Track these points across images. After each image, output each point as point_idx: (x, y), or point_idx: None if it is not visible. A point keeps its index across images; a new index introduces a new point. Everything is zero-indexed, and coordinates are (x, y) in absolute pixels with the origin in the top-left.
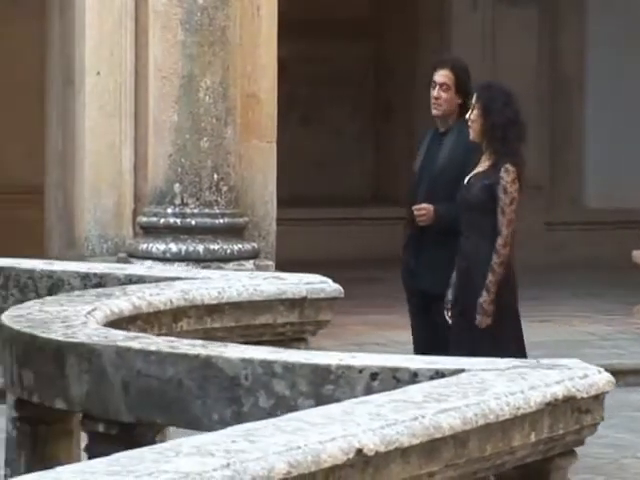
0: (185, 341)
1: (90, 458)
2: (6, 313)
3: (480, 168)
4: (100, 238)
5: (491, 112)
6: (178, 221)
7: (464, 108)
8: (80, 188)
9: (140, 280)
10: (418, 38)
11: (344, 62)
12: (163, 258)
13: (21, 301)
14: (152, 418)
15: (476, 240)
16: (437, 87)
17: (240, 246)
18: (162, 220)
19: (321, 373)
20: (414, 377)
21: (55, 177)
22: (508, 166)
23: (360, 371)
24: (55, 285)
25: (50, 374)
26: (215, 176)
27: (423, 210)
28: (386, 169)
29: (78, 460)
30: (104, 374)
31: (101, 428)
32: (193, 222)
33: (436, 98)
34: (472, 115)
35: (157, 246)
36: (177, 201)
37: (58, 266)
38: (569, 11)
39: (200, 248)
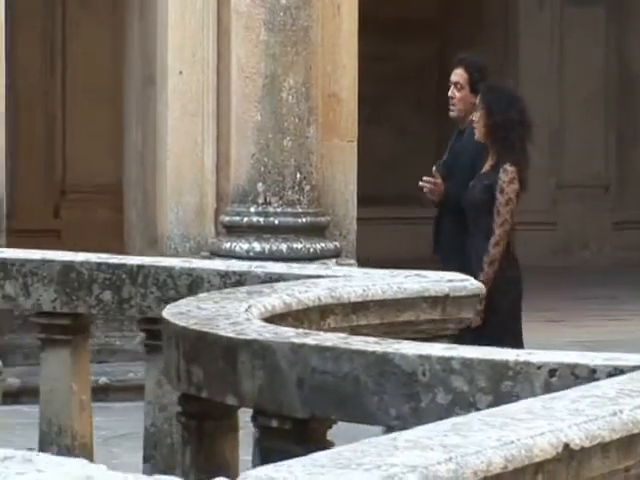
0: (356, 338)
1: (262, 453)
2: (166, 311)
3: (483, 169)
4: (182, 237)
5: (494, 112)
6: (261, 220)
7: None
8: (162, 187)
9: (280, 278)
10: (482, 38)
11: (409, 61)
12: (246, 257)
13: (160, 299)
14: (327, 414)
15: (479, 240)
16: (452, 86)
17: (323, 245)
18: (245, 219)
19: (499, 369)
20: (592, 373)
21: (135, 176)
22: (507, 166)
23: (538, 367)
24: (194, 283)
25: (220, 370)
26: (298, 175)
27: (430, 183)
28: None
29: (237, 457)
30: (278, 370)
31: (274, 423)
32: (276, 221)
33: (450, 98)
34: (475, 116)
35: (240, 245)
36: (260, 200)
37: (197, 264)
38: (636, 10)
39: (283, 247)
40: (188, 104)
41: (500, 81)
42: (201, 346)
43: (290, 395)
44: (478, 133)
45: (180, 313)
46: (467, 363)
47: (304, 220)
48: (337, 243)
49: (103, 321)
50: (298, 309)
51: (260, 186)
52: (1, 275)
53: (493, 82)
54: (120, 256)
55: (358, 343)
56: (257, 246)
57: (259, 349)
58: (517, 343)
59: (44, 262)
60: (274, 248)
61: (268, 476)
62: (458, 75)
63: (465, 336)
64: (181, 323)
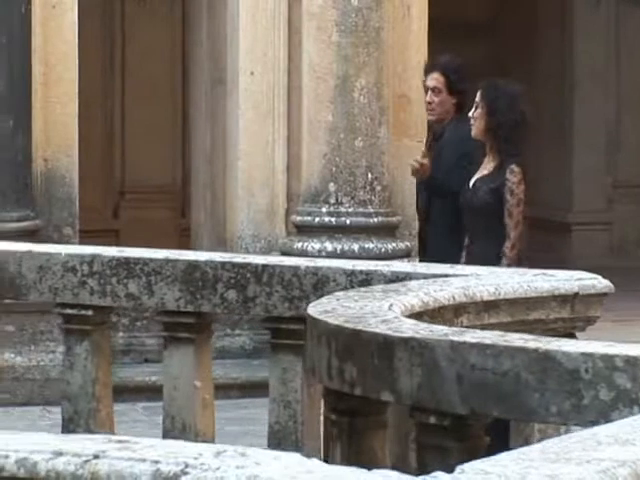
0: (514, 335)
1: (420, 449)
2: (311, 309)
3: (485, 171)
4: (253, 237)
5: (495, 112)
6: (333, 220)
7: (460, 106)
8: (232, 187)
9: (407, 277)
10: (537, 38)
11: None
12: (318, 257)
13: (285, 298)
14: (487, 410)
15: (484, 244)
16: (429, 92)
17: (394, 245)
18: (317, 219)
19: None
20: None
21: (203, 176)
22: (514, 167)
23: None
24: (320, 282)
25: (376, 367)
26: (369, 175)
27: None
28: None
29: (399, 452)
30: (437, 367)
31: (432, 420)
32: (348, 221)
33: (429, 103)
34: (475, 113)
35: (312, 245)
36: (332, 200)
37: (322, 263)
38: None
39: (355, 247)
40: (259, 104)
41: (501, 79)
42: (355, 344)
43: (449, 392)
44: (476, 130)
45: (326, 311)
46: (631, 361)
47: (375, 220)
48: (408, 243)
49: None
50: (434, 308)
51: (332, 186)
52: (124, 274)
53: (494, 80)
54: (243, 255)
55: (517, 340)
56: (329, 246)
57: (417, 346)
58: None
59: (168, 261)
60: (346, 248)
61: (484, 470)
62: (435, 80)
63: None
64: (333, 321)
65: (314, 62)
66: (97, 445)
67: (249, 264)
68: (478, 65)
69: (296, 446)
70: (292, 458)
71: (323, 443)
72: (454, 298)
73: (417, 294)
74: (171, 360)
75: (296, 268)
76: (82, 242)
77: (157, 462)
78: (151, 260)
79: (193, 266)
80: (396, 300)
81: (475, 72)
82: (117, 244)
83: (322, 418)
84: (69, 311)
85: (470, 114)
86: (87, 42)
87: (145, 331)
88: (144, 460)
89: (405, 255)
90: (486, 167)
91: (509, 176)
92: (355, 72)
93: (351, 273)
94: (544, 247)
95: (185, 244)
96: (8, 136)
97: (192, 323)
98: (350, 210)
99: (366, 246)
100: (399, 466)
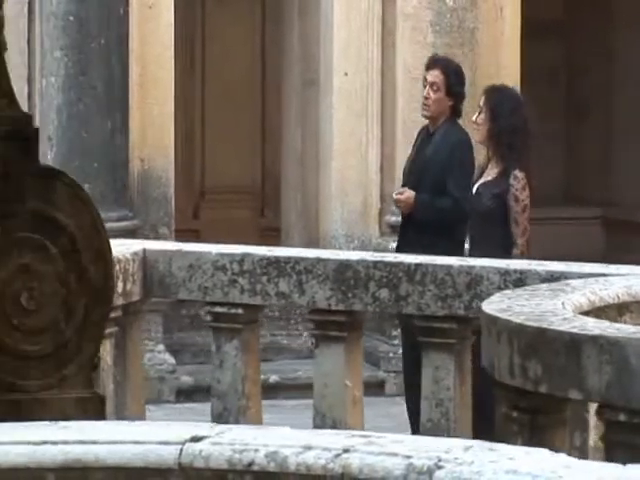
0: None
1: (608, 446)
2: (488, 307)
3: (488, 177)
4: (347, 237)
5: (498, 117)
6: None
7: (454, 110)
8: (325, 188)
9: (562, 276)
10: (611, 38)
11: (535, 63)
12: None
13: (437, 297)
14: None
15: (487, 250)
16: (427, 87)
17: None
18: None
19: None
20: None
21: (293, 176)
22: (517, 173)
23: None
24: (474, 281)
25: (562, 365)
26: None
27: (402, 196)
28: (577, 170)
29: (569, 450)
30: (627, 365)
31: (622, 417)
32: None
33: (425, 98)
34: (479, 118)
35: None
36: None
37: (475, 262)
38: None
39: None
40: (353, 105)
41: (504, 85)
42: (539, 342)
43: None
44: (479, 135)
45: (503, 310)
46: None
47: None
48: None
49: (269, 319)
50: (599, 306)
51: None
52: (275, 273)
53: (499, 85)
54: (394, 255)
55: None
56: None
57: (605, 344)
58: None
59: (319, 260)
60: None
61: None
62: (434, 76)
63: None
64: (515, 319)
65: (408, 63)
66: (345, 440)
67: (401, 263)
68: (551, 66)
69: None
70: (541, 453)
71: (496, 439)
72: (618, 297)
73: (584, 293)
74: (322, 358)
75: (449, 267)
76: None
77: (409, 457)
78: (302, 259)
79: (345, 265)
80: (566, 299)
81: (550, 73)
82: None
83: (497, 415)
84: (219, 309)
85: (473, 119)
86: None
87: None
88: (395, 454)
89: None
90: (489, 173)
91: (513, 182)
92: None
93: (505, 272)
94: (623, 248)
95: (264, 244)
96: (107, 137)
97: (343, 321)
98: None
99: None
100: None
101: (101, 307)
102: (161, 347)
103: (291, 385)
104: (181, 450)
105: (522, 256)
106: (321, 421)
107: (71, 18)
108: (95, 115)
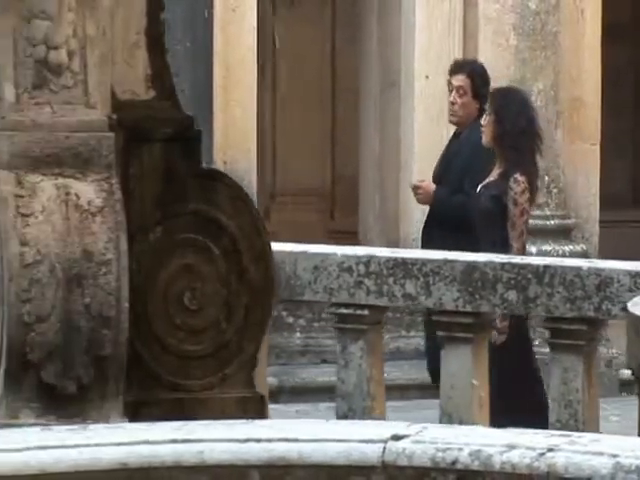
0: None
1: None
2: (636, 309)
3: (491, 177)
4: None
5: (503, 119)
6: None
7: (481, 112)
8: (406, 190)
9: None
10: None
11: (603, 66)
12: None
13: (566, 299)
14: None
15: (485, 251)
16: (453, 91)
17: (571, 247)
18: None
19: None
20: None
21: (372, 178)
22: (517, 176)
23: None
24: (603, 283)
25: None
26: (546, 178)
27: (423, 184)
28: None
29: None
30: None
31: None
32: None
33: (452, 103)
34: (485, 120)
35: None
36: None
37: (604, 264)
38: None
39: (533, 249)
40: (433, 108)
41: (511, 87)
42: None
43: None
44: (485, 138)
45: None
46: None
47: (552, 222)
48: (584, 245)
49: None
50: None
51: None
52: (401, 274)
53: (506, 87)
54: (521, 257)
55: None
56: None
57: None
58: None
59: (446, 262)
60: None
61: None
62: (460, 80)
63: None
64: None
65: (491, 65)
66: (546, 439)
67: (529, 265)
68: (618, 67)
69: None
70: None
71: None
72: None
73: None
74: (448, 359)
75: (578, 269)
76: None
77: (615, 455)
78: (429, 261)
79: (472, 267)
80: None
81: (616, 74)
82: None
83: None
84: (344, 310)
85: (482, 121)
86: None
87: (322, 332)
88: (601, 453)
89: (582, 258)
90: (493, 174)
91: (512, 185)
92: (532, 75)
93: (635, 274)
94: None
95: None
96: None
97: (470, 323)
98: None
99: (544, 248)
100: None
101: (262, 307)
102: None
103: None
104: (384, 448)
105: None
106: (447, 422)
107: None
108: None
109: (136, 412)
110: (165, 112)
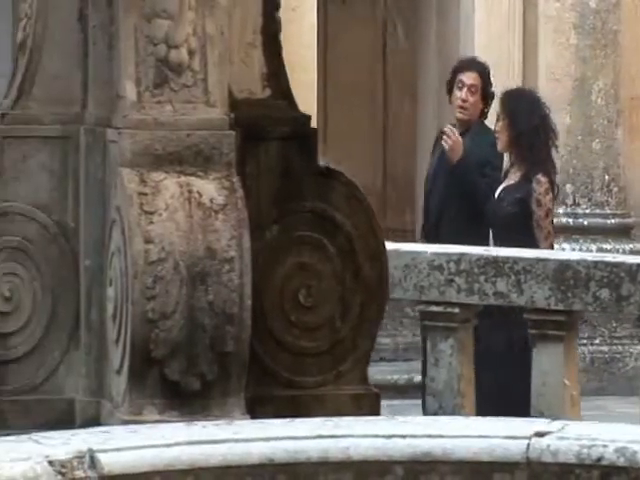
0: None
1: None
2: None
3: (511, 181)
4: None
5: (517, 120)
6: (570, 221)
7: (483, 113)
8: None
9: None
10: None
11: None
12: None
13: None
14: None
15: None
16: (464, 89)
17: (631, 246)
18: (554, 220)
19: None
20: None
21: None
22: (539, 177)
23: None
24: None
25: None
26: (606, 177)
27: (454, 136)
28: None
29: None
30: None
31: None
32: (585, 222)
33: (464, 100)
34: (498, 126)
35: None
36: (569, 201)
37: None
38: None
39: (593, 248)
40: (494, 106)
41: (520, 88)
42: None
43: None
44: (501, 144)
45: None
46: None
47: (612, 221)
48: None
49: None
50: None
51: (569, 187)
52: (493, 272)
53: (514, 88)
54: (613, 255)
55: None
56: (567, 247)
57: None
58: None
59: (538, 260)
60: (583, 249)
61: None
62: (473, 78)
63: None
64: None
65: (551, 64)
66: None
67: (623, 263)
68: None
69: None
70: None
71: None
72: None
73: None
74: (540, 357)
75: None
76: None
77: None
78: (521, 259)
79: (565, 265)
80: None
81: None
82: None
83: None
84: (434, 309)
85: (494, 127)
86: None
87: (380, 330)
88: None
89: None
90: (512, 177)
91: (535, 186)
92: (593, 74)
93: None
94: None
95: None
96: None
97: (562, 321)
98: (587, 211)
99: (604, 247)
100: None
101: (376, 305)
102: None
103: None
104: (528, 445)
105: None
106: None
107: None
108: None
109: (251, 409)
110: (281, 110)
